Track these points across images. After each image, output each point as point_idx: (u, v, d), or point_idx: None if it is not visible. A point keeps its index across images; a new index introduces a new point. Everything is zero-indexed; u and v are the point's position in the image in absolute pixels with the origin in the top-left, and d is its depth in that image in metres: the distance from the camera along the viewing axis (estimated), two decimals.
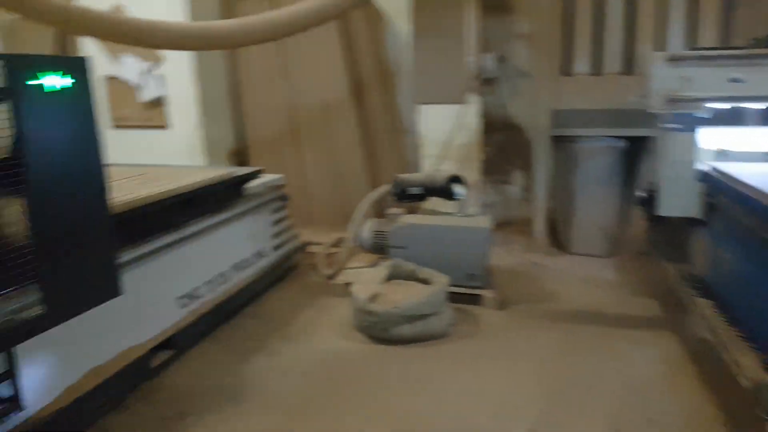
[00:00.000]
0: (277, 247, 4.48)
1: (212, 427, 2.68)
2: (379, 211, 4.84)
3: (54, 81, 2.08)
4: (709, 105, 3.35)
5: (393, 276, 3.92)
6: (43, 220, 2.08)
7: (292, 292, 4.39)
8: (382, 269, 3.93)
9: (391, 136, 5.60)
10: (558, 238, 5.26)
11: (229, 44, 4.68)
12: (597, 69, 4.89)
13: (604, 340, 3.43)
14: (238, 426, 2.69)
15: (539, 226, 5.12)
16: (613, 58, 4.86)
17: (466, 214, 4.28)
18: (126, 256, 2.78)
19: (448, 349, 3.40)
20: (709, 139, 3.47)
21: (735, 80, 3.31)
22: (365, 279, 3.85)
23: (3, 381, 2.18)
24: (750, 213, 2.69)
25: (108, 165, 2.37)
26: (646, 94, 3.62)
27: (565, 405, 2.79)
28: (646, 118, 3.74)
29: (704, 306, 3.12)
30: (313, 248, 5.08)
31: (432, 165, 5.29)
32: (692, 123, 3.37)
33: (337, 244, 5.07)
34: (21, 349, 2.20)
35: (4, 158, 2.04)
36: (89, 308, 2.34)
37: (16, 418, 2.24)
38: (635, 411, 2.71)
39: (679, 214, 3.53)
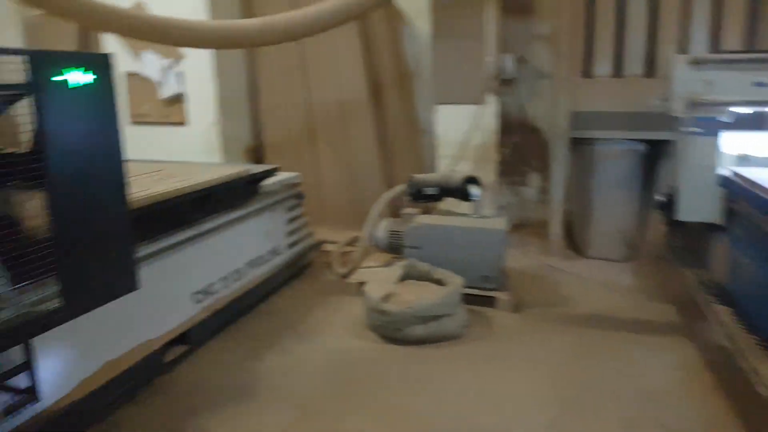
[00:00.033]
0: (291, 245, 4.50)
1: (224, 422, 2.70)
2: (394, 210, 4.84)
3: (77, 77, 2.11)
4: (731, 109, 3.30)
5: (407, 276, 3.92)
6: (63, 215, 2.10)
7: (306, 290, 4.40)
8: (397, 269, 3.93)
9: (408, 136, 5.59)
10: (574, 241, 5.21)
11: (250, 43, 4.68)
12: (618, 71, 4.82)
13: (619, 345, 3.39)
14: (250, 422, 2.70)
15: (555, 229, 5.08)
16: (634, 60, 4.78)
17: (481, 216, 4.26)
18: (142, 252, 2.81)
19: (461, 350, 3.38)
20: (731, 143, 3.42)
21: (759, 84, 3.26)
22: (379, 278, 3.85)
23: (21, 372, 2.21)
24: None
25: (126, 161, 2.39)
26: (668, 97, 3.57)
27: (578, 409, 2.76)
28: (667, 121, 3.69)
29: (723, 313, 3.08)
30: (328, 247, 5.09)
31: (448, 165, 5.27)
32: (714, 127, 3.33)
33: (351, 243, 5.07)
34: (38, 341, 2.24)
35: (27, 152, 2.07)
36: (106, 302, 2.37)
37: (32, 409, 2.28)
38: (650, 417, 2.67)
39: (698, 219, 3.49)
